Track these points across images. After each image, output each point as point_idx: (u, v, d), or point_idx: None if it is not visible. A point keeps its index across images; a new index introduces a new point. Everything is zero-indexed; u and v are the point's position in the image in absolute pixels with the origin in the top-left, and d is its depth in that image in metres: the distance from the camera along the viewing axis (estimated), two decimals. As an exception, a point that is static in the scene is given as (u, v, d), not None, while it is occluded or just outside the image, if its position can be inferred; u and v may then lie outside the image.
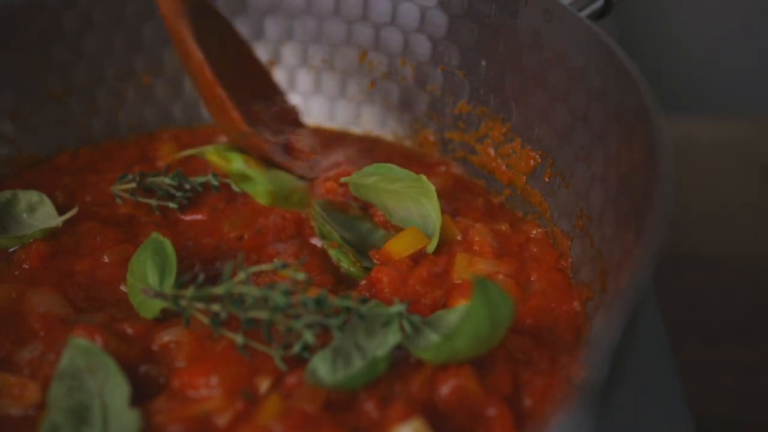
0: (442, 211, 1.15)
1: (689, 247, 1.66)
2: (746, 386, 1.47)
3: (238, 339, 0.96)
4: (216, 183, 1.24)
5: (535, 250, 1.16)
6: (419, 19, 1.34)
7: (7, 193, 1.21)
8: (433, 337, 0.98)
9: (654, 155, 0.91)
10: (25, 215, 1.20)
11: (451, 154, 1.34)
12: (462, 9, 1.30)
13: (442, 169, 1.33)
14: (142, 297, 1.06)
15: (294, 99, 1.43)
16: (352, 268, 1.14)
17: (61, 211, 1.21)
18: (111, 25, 1.37)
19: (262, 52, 1.42)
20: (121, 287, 1.12)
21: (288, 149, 1.21)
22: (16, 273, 1.13)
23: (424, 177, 1.15)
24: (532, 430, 0.92)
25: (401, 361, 0.99)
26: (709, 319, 1.56)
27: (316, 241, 1.18)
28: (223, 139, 1.34)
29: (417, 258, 1.13)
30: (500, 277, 1.10)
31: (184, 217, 1.23)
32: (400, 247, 1.14)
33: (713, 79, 2.43)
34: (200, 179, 1.25)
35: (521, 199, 1.25)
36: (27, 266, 1.14)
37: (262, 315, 0.96)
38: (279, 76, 1.43)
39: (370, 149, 1.38)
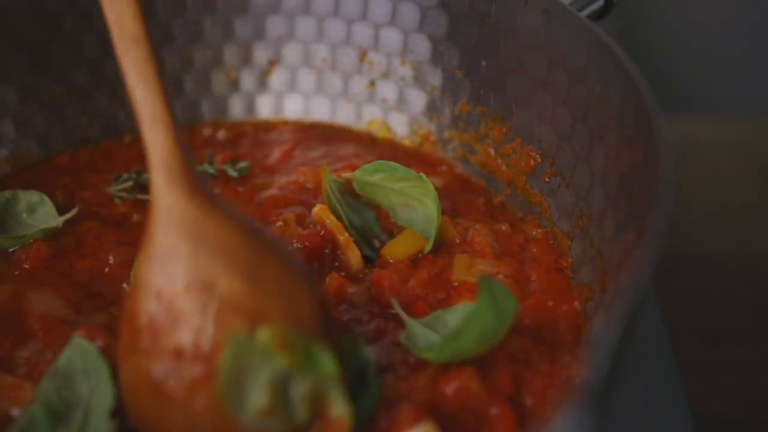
0: (443, 212, 1.15)
1: (689, 247, 1.66)
2: (746, 386, 1.46)
3: None
4: (212, 171, 1.26)
5: (535, 250, 1.16)
6: (419, 19, 1.34)
7: (7, 193, 1.21)
8: (434, 337, 0.98)
9: (654, 155, 0.91)
10: (25, 215, 1.20)
11: (452, 154, 1.34)
12: (462, 9, 1.30)
13: (443, 168, 1.33)
14: None
15: (295, 99, 1.43)
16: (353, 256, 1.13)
17: (61, 211, 1.21)
18: (111, 25, 1.37)
19: (262, 52, 1.42)
20: (123, 285, 1.12)
21: None
22: (16, 273, 1.13)
23: (423, 176, 1.15)
24: (533, 430, 0.92)
25: (401, 363, 0.99)
26: (709, 319, 1.56)
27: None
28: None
29: (416, 259, 1.13)
30: (500, 277, 1.10)
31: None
32: (398, 250, 1.14)
33: (713, 79, 2.43)
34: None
35: (521, 199, 1.25)
36: (27, 266, 1.14)
37: None
38: (280, 75, 1.43)
39: (371, 146, 1.38)
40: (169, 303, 0.88)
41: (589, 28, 1.13)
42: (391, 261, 1.13)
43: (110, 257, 1.15)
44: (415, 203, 1.16)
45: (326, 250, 1.14)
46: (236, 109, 1.44)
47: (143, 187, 1.25)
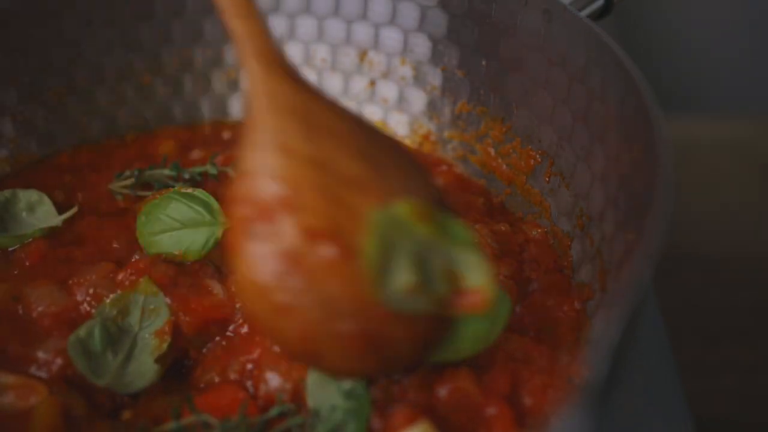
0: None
1: (689, 247, 1.66)
2: (746, 386, 1.46)
3: None
4: (214, 171, 1.25)
5: (535, 250, 1.16)
6: (419, 18, 1.34)
7: (6, 193, 1.21)
8: None
9: (654, 155, 0.91)
10: (24, 214, 1.20)
11: (451, 154, 1.34)
12: (462, 9, 1.30)
13: (443, 168, 1.33)
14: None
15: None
16: None
17: (60, 210, 1.21)
18: (111, 25, 1.36)
19: (262, 52, 1.42)
20: (135, 256, 1.13)
21: None
22: (15, 272, 1.13)
23: None
24: (533, 431, 0.92)
25: None
26: (709, 319, 1.56)
27: None
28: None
29: None
30: (500, 278, 1.10)
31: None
32: None
33: (713, 79, 2.43)
34: (198, 169, 1.26)
35: (521, 199, 1.25)
36: (27, 264, 1.14)
37: None
38: (279, 75, 1.43)
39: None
40: (289, 184, 0.83)
41: (589, 28, 1.13)
42: None
43: (114, 243, 1.16)
44: None
45: None
46: (236, 109, 1.44)
47: (145, 184, 1.25)
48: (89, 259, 1.13)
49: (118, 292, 1.07)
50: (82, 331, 1.02)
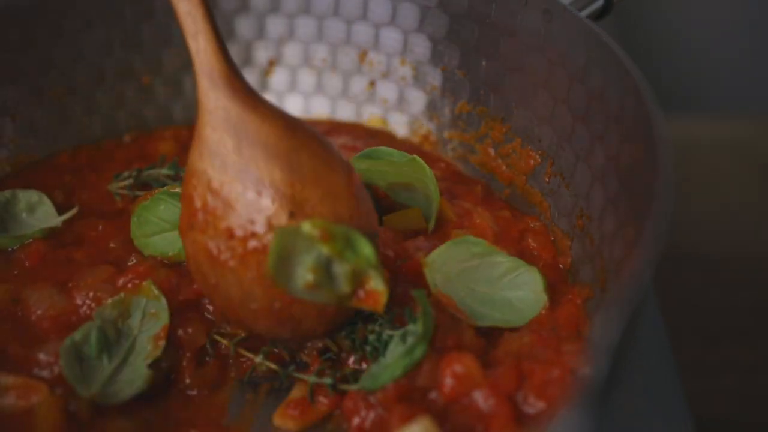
0: (441, 194, 1.16)
1: (689, 247, 1.66)
2: (746, 386, 1.46)
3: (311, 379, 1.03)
4: None
5: (534, 244, 1.16)
6: (419, 19, 1.34)
7: (6, 193, 1.21)
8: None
9: (654, 155, 0.91)
10: (24, 215, 1.20)
11: (451, 154, 1.34)
12: (462, 9, 1.30)
13: (442, 166, 1.33)
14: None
15: (295, 99, 1.43)
16: None
17: (60, 210, 1.21)
18: (111, 25, 1.36)
19: (262, 52, 1.42)
20: (131, 259, 1.14)
21: None
22: (15, 272, 1.13)
23: (417, 157, 1.15)
24: (533, 430, 0.92)
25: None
26: (709, 319, 1.56)
27: None
28: None
29: (415, 235, 1.14)
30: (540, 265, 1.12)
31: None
32: (397, 222, 1.15)
33: (713, 79, 2.43)
34: None
35: (521, 199, 1.25)
36: (27, 265, 1.14)
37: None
38: (280, 75, 1.43)
39: (373, 137, 1.38)
40: (219, 190, 0.99)
41: (589, 28, 1.13)
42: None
43: (112, 244, 1.16)
44: (414, 182, 1.17)
45: None
46: (236, 108, 1.44)
47: (143, 184, 1.25)
48: (89, 260, 1.14)
49: (121, 294, 1.07)
50: (77, 335, 1.02)
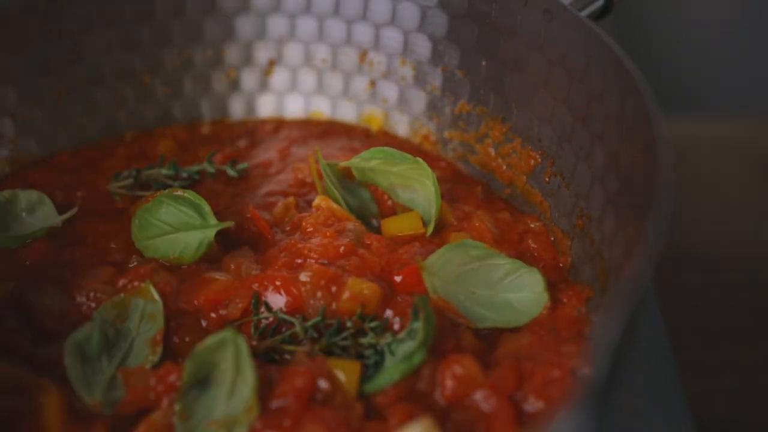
0: (442, 196, 1.16)
1: (689, 247, 1.66)
2: (746, 386, 1.46)
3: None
4: (212, 170, 1.26)
5: (534, 245, 1.16)
6: (419, 19, 1.34)
7: (6, 193, 1.21)
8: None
9: (654, 155, 0.91)
10: (24, 215, 1.20)
11: (451, 154, 1.34)
12: (462, 9, 1.30)
13: (442, 165, 1.33)
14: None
15: (296, 98, 1.43)
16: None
17: (60, 210, 1.21)
18: (111, 25, 1.36)
19: (262, 52, 1.42)
20: (131, 262, 1.13)
21: None
22: (16, 272, 1.13)
23: (421, 160, 1.15)
24: (533, 430, 0.92)
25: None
26: (709, 319, 1.56)
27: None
28: None
29: (411, 241, 1.14)
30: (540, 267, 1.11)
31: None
32: (395, 227, 1.15)
33: (713, 79, 2.43)
34: (196, 167, 1.27)
35: (521, 199, 1.25)
36: (28, 264, 1.14)
37: None
38: (280, 75, 1.43)
39: (373, 137, 1.38)
40: None
41: (589, 28, 1.13)
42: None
43: (112, 244, 1.16)
44: (415, 184, 1.17)
45: None
46: (236, 108, 1.44)
47: (143, 184, 1.25)
48: (89, 260, 1.14)
49: (121, 295, 1.07)
50: (79, 335, 1.02)
